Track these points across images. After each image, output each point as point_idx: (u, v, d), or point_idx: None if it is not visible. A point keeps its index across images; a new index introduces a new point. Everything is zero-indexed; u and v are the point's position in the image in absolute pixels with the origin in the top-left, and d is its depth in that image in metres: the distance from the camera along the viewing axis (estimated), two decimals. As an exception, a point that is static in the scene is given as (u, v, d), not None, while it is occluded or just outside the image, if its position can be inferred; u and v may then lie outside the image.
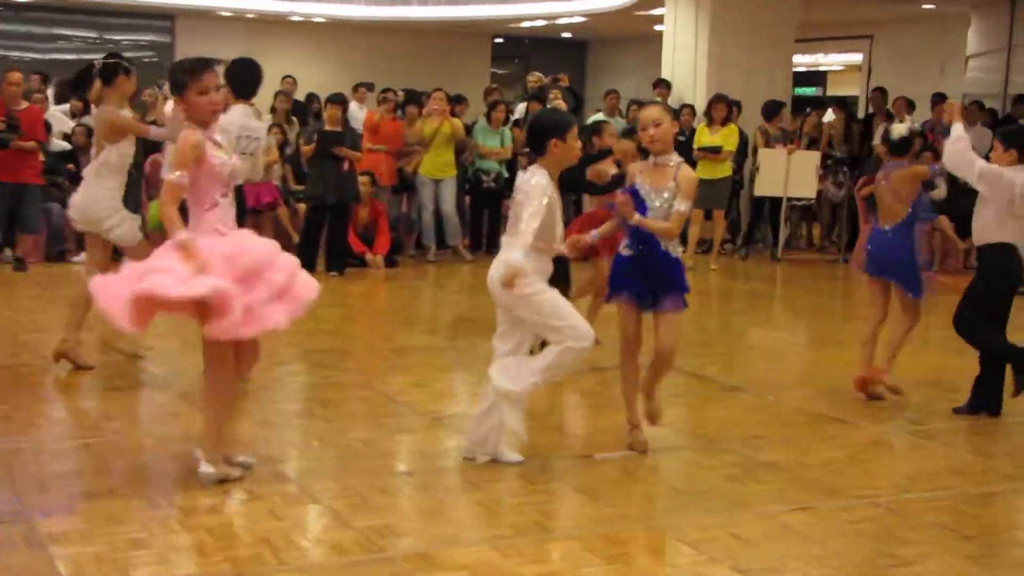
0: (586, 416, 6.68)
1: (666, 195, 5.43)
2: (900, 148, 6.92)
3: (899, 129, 6.92)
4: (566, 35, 24.88)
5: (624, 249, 5.58)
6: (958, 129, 6.62)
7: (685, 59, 15.16)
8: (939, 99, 14.85)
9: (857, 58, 21.42)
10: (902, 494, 5.23)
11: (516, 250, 5.11)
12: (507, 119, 13.54)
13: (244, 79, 7.02)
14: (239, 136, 6.58)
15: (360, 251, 11.80)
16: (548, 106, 13.56)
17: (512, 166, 13.36)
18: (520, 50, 25.95)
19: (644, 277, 5.50)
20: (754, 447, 5.88)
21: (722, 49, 14.85)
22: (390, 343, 8.58)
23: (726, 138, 13.00)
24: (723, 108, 13.13)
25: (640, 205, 5.44)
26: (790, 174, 13.36)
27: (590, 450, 5.80)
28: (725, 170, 13.02)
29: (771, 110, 13.86)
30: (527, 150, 12.64)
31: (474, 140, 13.34)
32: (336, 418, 6.24)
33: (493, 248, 13.38)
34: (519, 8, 20.35)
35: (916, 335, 9.57)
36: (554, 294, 5.28)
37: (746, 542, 4.52)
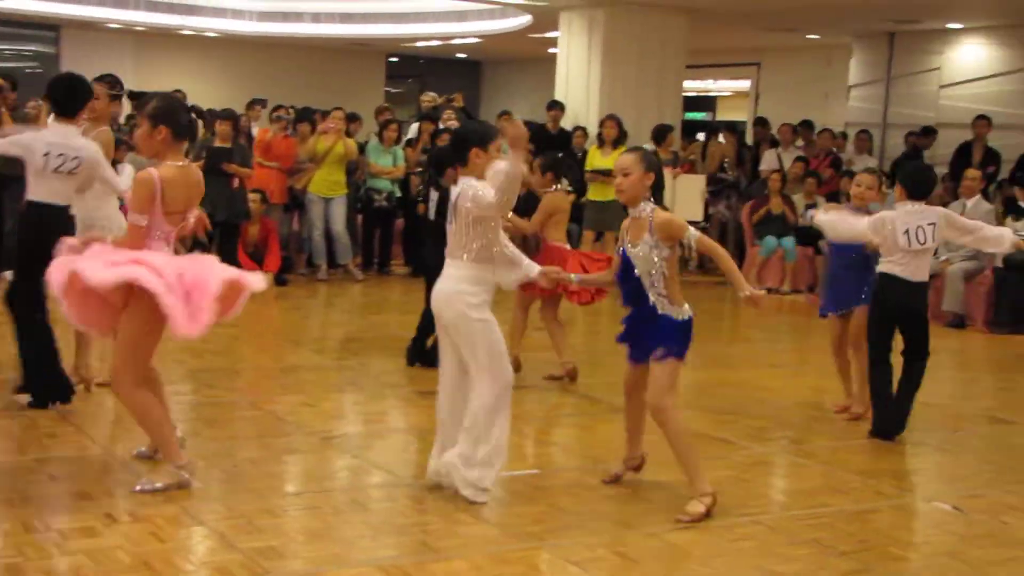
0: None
1: (642, 248, 5.19)
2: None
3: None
4: (461, 55, 24.99)
5: (624, 307, 5.44)
6: (821, 215, 6.99)
7: (578, 82, 15.33)
8: (806, 127, 15.31)
9: (745, 84, 21.90)
10: (783, 512, 5.35)
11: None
12: (399, 138, 13.51)
13: (66, 96, 6.57)
14: (48, 154, 6.23)
15: (250, 269, 11.64)
16: (442, 126, 13.63)
17: (404, 185, 13.35)
18: (415, 69, 25.98)
19: (638, 334, 5.36)
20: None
21: (614, 73, 15.05)
22: (279, 363, 8.50)
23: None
24: (614, 127, 13.29)
25: (625, 261, 5.25)
26: (676, 197, 13.58)
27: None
28: (613, 192, 13.17)
29: (661, 134, 14.09)
30: (419, 169, 12.70)
31: (366, 159, 13.31)
32: (222, 438, 6.15)
33: (384, 268, 13.36)
34: (414, 28, 20.38)
35: (797, 357, 9.84)
36: (494, 325, 5.17)
37: (632, 561, 4.58)
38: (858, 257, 7.11)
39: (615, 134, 13.28)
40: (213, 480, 5.35)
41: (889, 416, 6.74)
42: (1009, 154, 13.92)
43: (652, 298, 5.23)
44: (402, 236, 13.72)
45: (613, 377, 7.92)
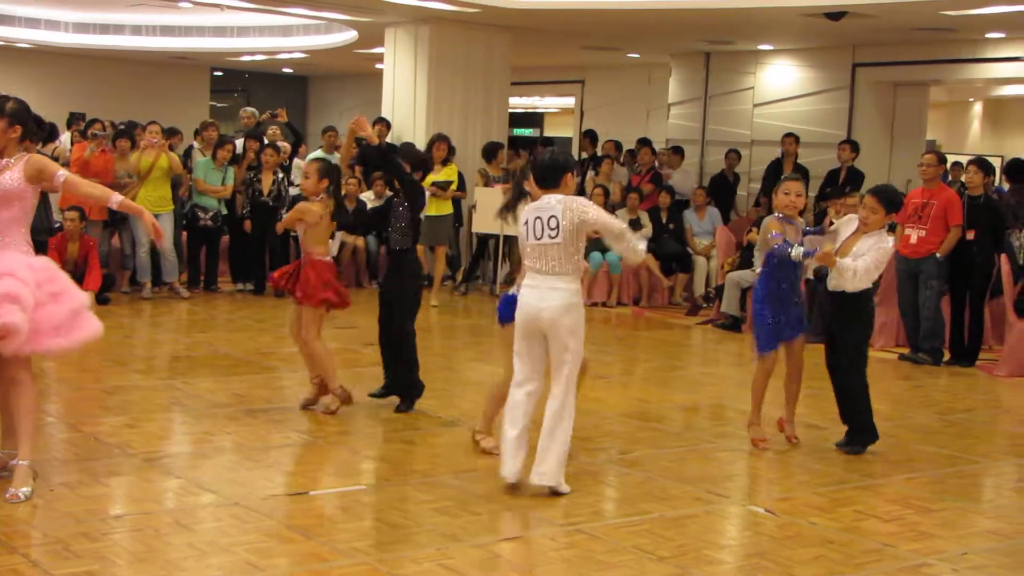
0: (301, 454, 6.65)
1: None
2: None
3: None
4: (287, 70, 24.77)
5: None
6: (845, 264, 6.81)
7: (405, 98, 15.39)
8: (642, 144, 15.74)
9: (570, 101, 22.34)
10: (605, 520, 5.50)
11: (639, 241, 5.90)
12: (233, 158, 13.25)
13: None
14: None
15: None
16: (267, 142, 13.49)
17: (231, 204, 13.14)
18: (240, 83, 25.64)
19: None
20: (468, 480, 6.04)
21: (440, 89, 15.17)
22: (101, 383, 8.27)
23: (449, 176, 13.29)
24: (444, 147, 13.41)
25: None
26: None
27: (305, 487, 5.81)
28: (447, 207, 13.28)
29: (490, 151, 14.26)
30: (244, 187, 12.48)
31: (191, 175, 13.06)
32: (38, 462, 5.94)
33: (212, 285, 13.13)
34: (237, 42, 20.10)
35: (622, 368, 10.08)
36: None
37: (458, 573, 4.65)
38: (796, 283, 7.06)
39: (444, 154, 13.38)
40: (27, 506, 5.18)
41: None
42: (817, 170, 14.58)
43: None
44: (228, 253, 13.51)
45: (442, 392, 8.01)
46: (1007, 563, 5.17)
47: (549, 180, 5.79)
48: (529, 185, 5.99)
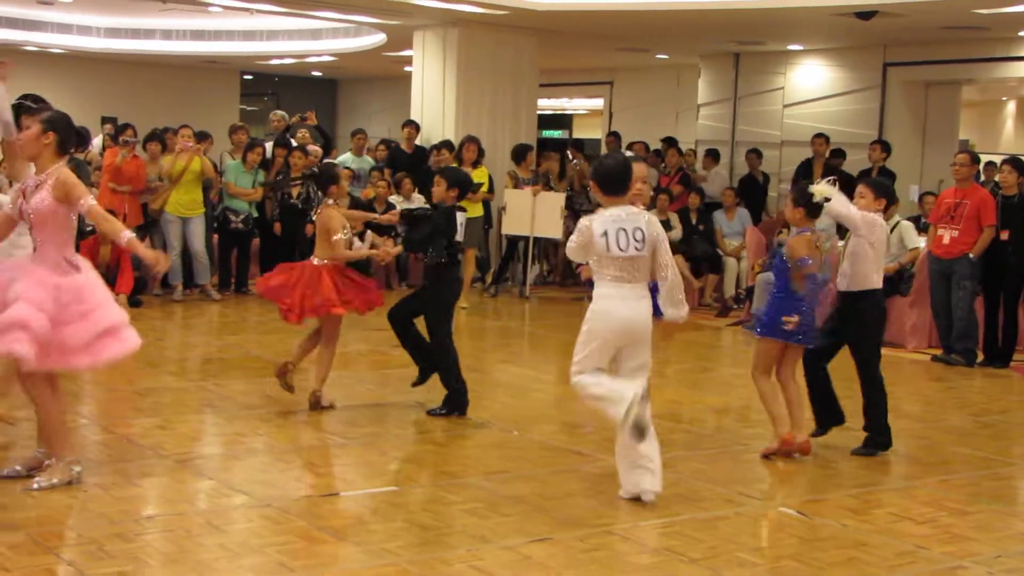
0: (332, 455, 6.67)
1: None
2: (818, 212, 6.72)
3: (826, 190, 6.62)
4: (316, 73, 24.87)
5: None
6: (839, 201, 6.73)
7: (433, 101, 15.42)
8: (668, 144, 15.71)
9: (599, 103, 22.31)
10: (635, 522, 5.48)
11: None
12: (263, 160, 13.33)
13: None
14: None
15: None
16: (296, 144, 13.54)
17: (261, 206, 13.21)
18: (270, 87, 25.77)
19: None
20: (498, 481, 6.04)
21: (469, 91, 15.19)
22: (133, 385, 8.32)
23: (480, 178, 13.31)
24: (474, 149, 13.43)
25: None
26: (536, 215, 13.77)
27: (336, 488, 5.83)
28: (477, 210, 13.29)
29: (520, 153, 14.26)
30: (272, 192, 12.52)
31: (222, 179, 13.14)
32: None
33: (243, 287, 13.19)
34: (268, 46, 20.20)
35: (654, 370, 10.04)
36: None
37: (487, 574, 4.65)
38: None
39: (475, 156, 13.40)
40: (61, 506, 5.23)
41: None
42: (848, 171, 14.47)
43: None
44: (259, 256, 13.57)
45: (471, 393, 8.01)
46: (1042, 566, 5.12)
47: (618, 186, 5.76)
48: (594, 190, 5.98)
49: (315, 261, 7.49)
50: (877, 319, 7.07)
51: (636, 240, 5.65)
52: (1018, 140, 20.98)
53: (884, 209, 7.04)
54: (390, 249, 8.14)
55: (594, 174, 5.86)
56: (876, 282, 6.95)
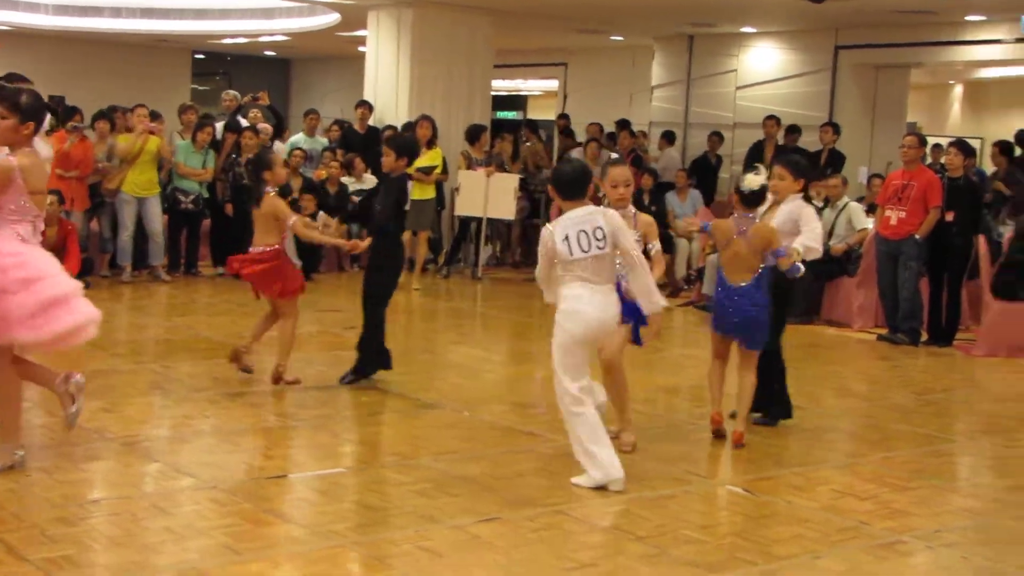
0: (281, 436, 6.65)
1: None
2: (754, 201, 6.73)
3: (756, 180, 6.68)
4: (269, 53, 24.67)
5: None
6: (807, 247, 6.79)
7: (387, 81, 15.35)
8: (621, 126, 15.77)
9: (554, 84, 22.30)
10: (584, 501, 5.51)
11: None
12: (213, 140, 13.22)
13: None
14: None
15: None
16: (245, 124, 13.43)
17: (212, 188, 13.10)
18: (222, 66, 25.54)
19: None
20: (448, 461, 6.05)
21: (423, 72, 15.13)
22: (78, 367, 8.23)
23: (433, 159, 13.30)
24: (428, 127, 13.40)
25: None
26: (489, 196, 13.77)
27: (284, 470, 5.82)
28: (430, 192, 13.28)
29: (473, 134, 14.24)
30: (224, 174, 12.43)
31: (175, 159, 13.02)
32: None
33: (192, 269, 13.09)
34: (220, 24, 19.98)
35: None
36: None
37: (435, 555, 4.67)
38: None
39: (429, 134, 13.38)
40: (3, 491, 5.17)
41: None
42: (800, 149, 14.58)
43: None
44: (209, 237, 13.47)
45: (422, 375, 8.02)
46: (979, 539, 5.21)
47: (576, 191, 5.79)
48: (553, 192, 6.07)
49: (261, 248, 7.53)
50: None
51: (597, 239, 5.67)
52: (964, 123, 21.23)
53: (803, 189, 7.03)
54: (359, 243, 8.12)
55: (552, 180, 5.97)
56: None
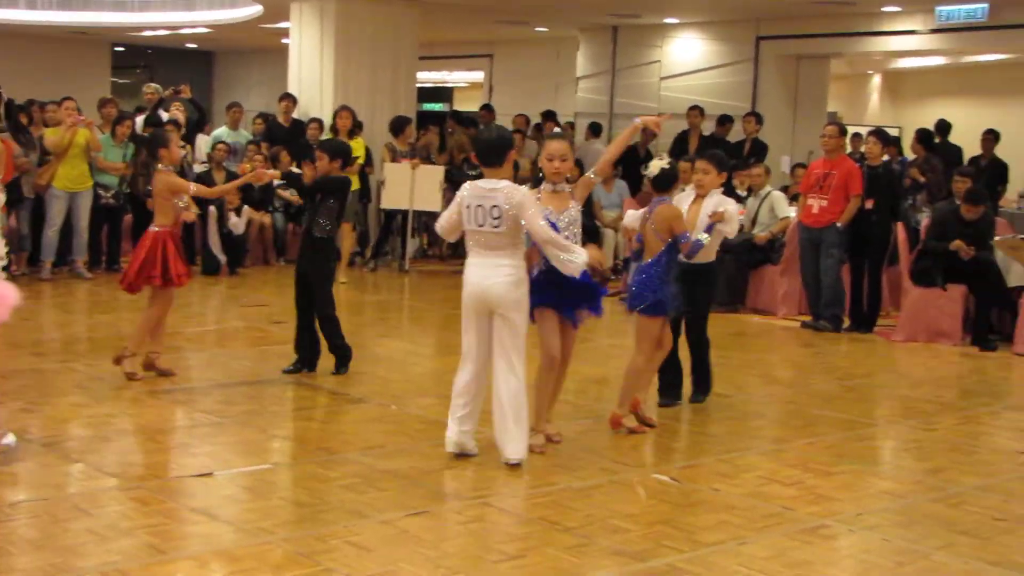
0: (207, 434, 6.58)
1: (570, 214, 6.14)
2: (663, 184, 6.82)
3: (656, 164, 6.83)
4: (191, 45, 24.34)
5: (538, 269, 6.11)
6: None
7: (311, 74, 15.22)
8: (547, 117, 15.80)
9: (479, 76, 22.28)
10: (512, 493, 5.53)
11: (575, 254, 5.75)
12: (133, 134, 13.02)
13: None
14: None
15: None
16: (167, 118, 13.24)
17: (133, 183, 12.89)
18: (143, 59, 25.14)
19: (560, 290, 6.10)
20: (375, 456, 6.03)
21: (347, 64, 15.04)
22: (-2, 368, 8.09)
23: (355, 150, 13.19)
24: (348, 117, 13.31)
25: (551, 225, 5.90)
26: (415, 188, 13.73)
27: (210, 468, 5.76)
28: (353, 183, 13.17)
29: (398, 126, 14.18)
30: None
31: (94, 153, 12.79)
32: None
33: (114, 265, 12.87)
34: (140, 17, 19.65)
35: (531, 341, 10.09)
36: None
37: (364, 549, 4.65)
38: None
39: (349, 124, 13.30)
40: (-79, 495, 5.07)
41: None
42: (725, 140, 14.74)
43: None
44: (131, 233, 13.26)
45: (349, 369, 7.97)
46: (900, 521, 5.32)
47: (493, 158, 5.86)
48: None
49: (156, 228, 7.53)
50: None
51: (493, 218, 5.72)
52: (883, 112, 21.58)
53: (726, 182, 7.33)
54: (264, 173, 8.32)
55: (473, 144, 5.99)
56: (711, 256, 7.28)
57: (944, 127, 13.98)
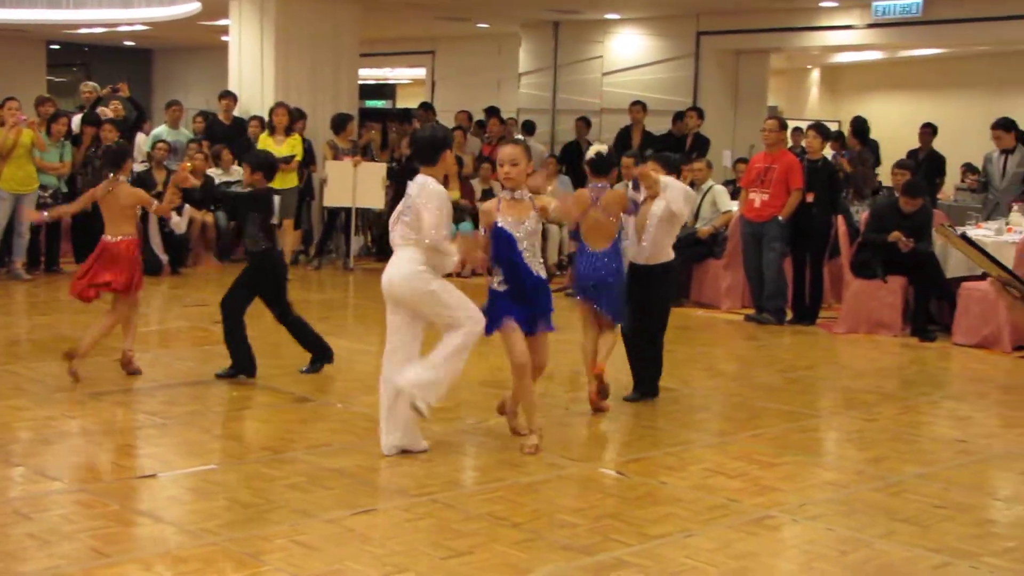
0: (150, 435, 6.51)
1: (530, 224, 6.06)
2: (600, 168, 6.95)
3: (594, 148, 7.01)
4: (129, 43, 24.04)
5: (499, 285, 6.07)
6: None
7: (252, 71, 15.10)
8: (490, 113, 15.80)
9: (421, 72, 22.22)
10: (459, 489, 5.53)
11: (446, 244, 5.73)
12: (69, 132, 12.84)
13: None
14: None
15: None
16: (105, 117, 13.08)
17: (71, 182, 12.72)
18: (79, 57, 24.80)
19: (524, 304, 6.06)
20: (321, 455, 6.01)
21: (288, 61, 14.93)
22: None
23: (292, 148, 13.11)
24: (284, 114, 13.21)
25: (507, 238, 5.98)
26: (357, 186, 13.66)
27: (153, 469, 5.70)
28: (292, 180, 13.09)
29: (339, 123, 14.10)
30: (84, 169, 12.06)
31: (31, 153, 12.59)
32: None
33: (53, 266, 12.69)
34: (76, 14, 19.35)
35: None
36: (448, 285, 5.86)
37: (311, 549, 4.63)
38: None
39: (286, 122, 13.20)
40: None
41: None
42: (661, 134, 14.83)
43: (536, 268, 6.06)
44: (71, 233, 13.09)
45: (294, 367, 7.93)
46: (842, 511, 5.38)
47: (427, 156, 5.87)
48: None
49: (114, 238, 7.50)
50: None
51: (407, 207, 5.79)
52: (822, 106, 21.82)
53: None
54: (190, 178, 8.28)
55: (410, 142, 6.03)
56: (670, 254, 7.34)
57: (861, 125, 14.10)
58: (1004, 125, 11.96)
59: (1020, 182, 11.96)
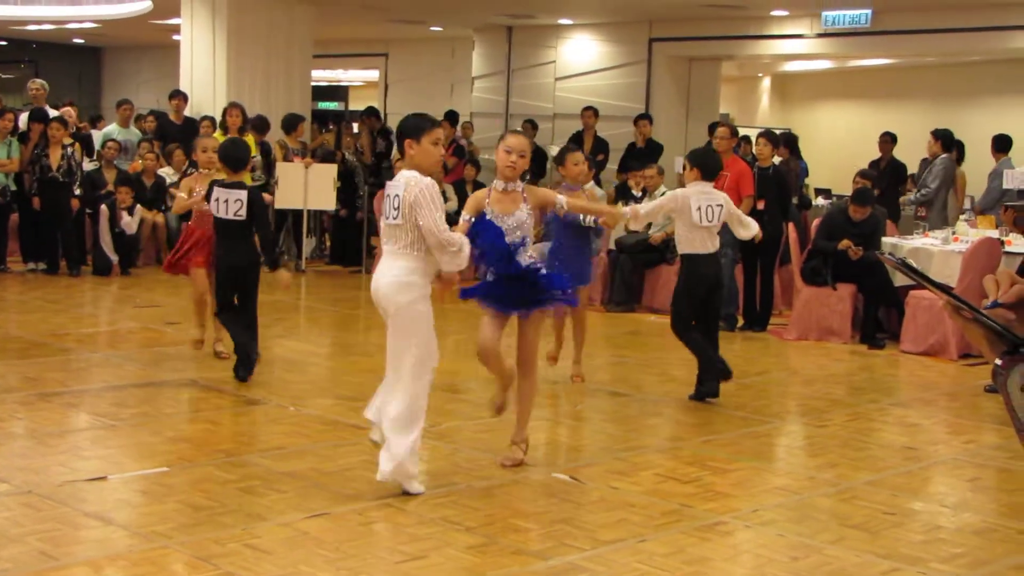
0: (100, 437, 6.44)
1: (519, 216, 5.90)
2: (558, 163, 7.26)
3: (556, 148, 7.29)
4: (79, 41, 23.77)
5: (488, 275, 5.90)
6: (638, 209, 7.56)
7: (203, 71, 14.99)
8: (445, 116, 15.76)
9: (375, 75, 22.16)
10: (410, 494, 5.51)
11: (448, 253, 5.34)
12: (15, 129, 12.67)
13: None
14: None
15: None
16: (54, 114, 12.92)
17: (19, 180, 12.56)
18: (27, 54, 24.49)
19: (509, 294, 5.87)
20: (274, 458, 5.97)
21: (240, 61, 14.85)
22: None
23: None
24: (238, 115, 13.11)
25: (492, 229, 5.79)
26: (309, 187, 13.59)
27: (104, 471, 5.64)
28: (245, 180, 12.97)
29: (290, 124, 14.02)
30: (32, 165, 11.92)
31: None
32: None
33: (0, 265, 12.52)
34: (24, 10, 19.11)
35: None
36: (428, 313, 5.43)
37: (263, 552, 4.60)
38: (585, 233, 7.73)
39: (239, 122, 13.10)
40: None
41: (716, 375, 7.74)
42: (617, 143, 14.91)
43: (525, 260, 5.83)
44: (19, 231, 12.92)
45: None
46: (793, 516, 5.44)
47: (415, 132, 5.46)
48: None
49: None
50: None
51: (394, 208, 5.35)
52: (773, 114, 22.04)
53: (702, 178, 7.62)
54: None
55: (397, 129, 5.66)
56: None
57: (791, 138, 14.33)
58: (934, 133, 12.78)
59: (998, 196, 12.19)
